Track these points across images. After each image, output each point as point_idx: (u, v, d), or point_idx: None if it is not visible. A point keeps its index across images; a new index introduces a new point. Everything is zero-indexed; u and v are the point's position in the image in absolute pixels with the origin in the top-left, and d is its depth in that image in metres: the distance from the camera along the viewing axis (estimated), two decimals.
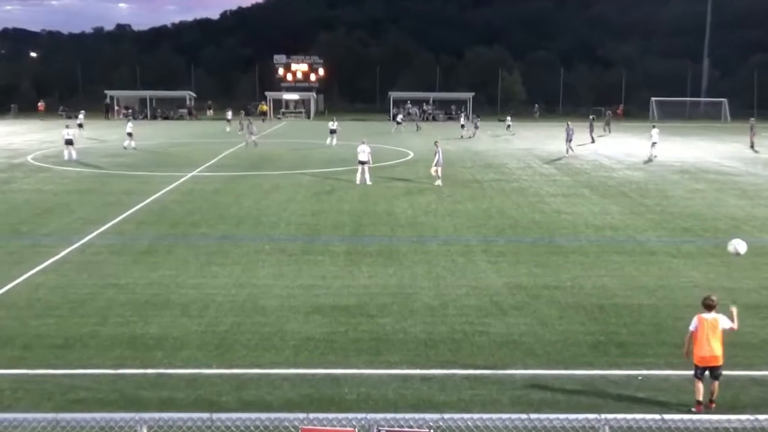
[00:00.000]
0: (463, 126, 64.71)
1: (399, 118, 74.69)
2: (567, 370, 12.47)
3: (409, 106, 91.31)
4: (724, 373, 11.39)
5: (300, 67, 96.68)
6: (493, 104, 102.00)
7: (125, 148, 47.82)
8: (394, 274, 18.11)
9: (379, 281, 17.49)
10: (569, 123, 50.03)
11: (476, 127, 64.13)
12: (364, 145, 33.50)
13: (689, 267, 19.03)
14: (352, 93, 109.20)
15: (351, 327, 14.37)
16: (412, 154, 45.98)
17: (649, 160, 44.13)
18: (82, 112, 62.62)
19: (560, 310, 15.49)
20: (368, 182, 32.71)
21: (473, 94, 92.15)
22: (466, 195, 30.18)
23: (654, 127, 48.26)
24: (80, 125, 58.56)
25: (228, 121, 69.36)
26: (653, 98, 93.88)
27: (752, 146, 51.69)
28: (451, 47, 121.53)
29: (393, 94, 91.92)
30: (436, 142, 34.62)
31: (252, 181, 33.87)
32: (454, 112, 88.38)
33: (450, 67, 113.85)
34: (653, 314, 15.24)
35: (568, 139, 47.46)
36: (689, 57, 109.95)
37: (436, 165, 32.79)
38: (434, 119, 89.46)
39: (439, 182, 32.52)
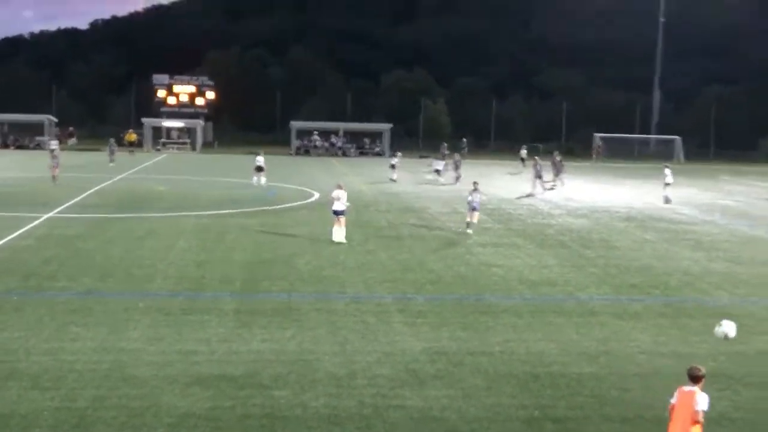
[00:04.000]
0: (435, 170, 59.80)
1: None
2: None
3: (316, 138, 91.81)
4: None
5: (185, 90, 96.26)
6: (414, 137, 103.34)
7: None
8: (293, 337, 18.03)
9: (275, 346, 17.38)
10: (537, 158, 55.42)
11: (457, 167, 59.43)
12: (340, 191, 30.63)
13: (636, 330, 19.48)
14: (246, 121, 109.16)
15: (239, 401, 14.21)
16: (317, 195, 46.12)
17: (667, 202, 47.25)
18: None
19: (488, 380, 15.64)
20: (341, 239, 30.01)
21: (391, 125, 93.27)
22: (380, 244, 30.36)
23: (666, 167, 50.41)
24: None
25: (51, 151, 61.80)
26: (596, 134, 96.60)
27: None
28: (365, 70, 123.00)
29: (296, 124, 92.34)
30: (475, 182, 35.00)
31: (123, 225, 33.39)
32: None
33: (364, 92, 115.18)
34: (595, 385, 15.53)
35: (537, 176, 51.64)
36: (639, 89, 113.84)
37: (473, 210, 33.51)
38: (345, 154, 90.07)
39: (470, 230, 33.17)
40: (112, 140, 71.09)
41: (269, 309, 20.37)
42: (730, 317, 20.72)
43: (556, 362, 16.79)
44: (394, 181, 56.82)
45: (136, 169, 62.87)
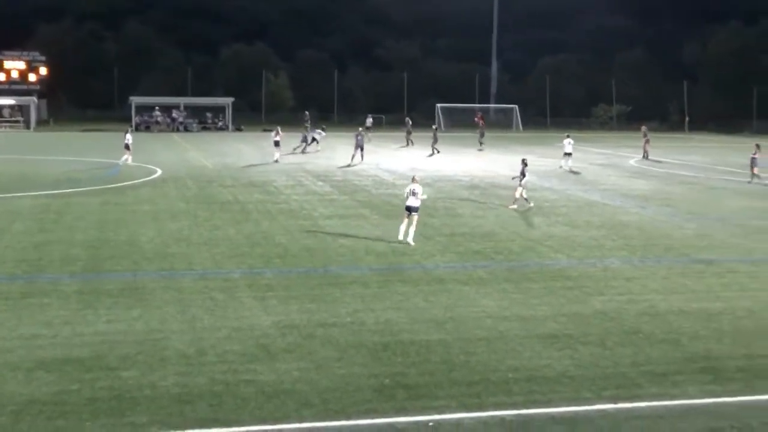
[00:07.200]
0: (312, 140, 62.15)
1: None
2: (348, 420, 12.67)
3: (157, 113, 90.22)
4: (519, 411, 12.02)
5: (15, 65, 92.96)
6: (257, 111, 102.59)
7: None
8: (140, 316, 17.69)
9: (121, 326, 17.00)
10: (361, 129, 57.40)
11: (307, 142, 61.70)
12: (416, 185, 26.65)
13: (481, 295, 19.94)
14: (83, 98, 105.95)
15: (85, 384, 13.85)
16: (159, 172, 45.25)
17: (572, 173, 48.18)
18: None
19: (339, 350, 15.73)
20: (410, 241, 25.96)
21: (232, 99, 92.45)
22: (227, 219, 30.07)
23: (568, 136, 51.57)
24: None
25: None
26: (438, 105, 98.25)
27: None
28: (204, 44, 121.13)
29: (135, 100, 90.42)
30: (524, 159, 34.83)
31: None
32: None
33: (203, 67, 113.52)
34: (443, 350, 15.83)
35: (358, 146, 52.90)
36: (477, 60, 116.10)
37: (522, 186, 33.75)
38: (186, 129, 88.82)
39: (514, 206, 33.40)
40: None
41: (114, 289, 19.90)
42: (568, 279, 21.62)
43: (405, 330, 17.02)
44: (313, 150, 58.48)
45: None
